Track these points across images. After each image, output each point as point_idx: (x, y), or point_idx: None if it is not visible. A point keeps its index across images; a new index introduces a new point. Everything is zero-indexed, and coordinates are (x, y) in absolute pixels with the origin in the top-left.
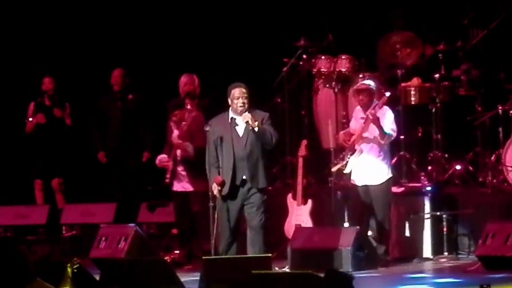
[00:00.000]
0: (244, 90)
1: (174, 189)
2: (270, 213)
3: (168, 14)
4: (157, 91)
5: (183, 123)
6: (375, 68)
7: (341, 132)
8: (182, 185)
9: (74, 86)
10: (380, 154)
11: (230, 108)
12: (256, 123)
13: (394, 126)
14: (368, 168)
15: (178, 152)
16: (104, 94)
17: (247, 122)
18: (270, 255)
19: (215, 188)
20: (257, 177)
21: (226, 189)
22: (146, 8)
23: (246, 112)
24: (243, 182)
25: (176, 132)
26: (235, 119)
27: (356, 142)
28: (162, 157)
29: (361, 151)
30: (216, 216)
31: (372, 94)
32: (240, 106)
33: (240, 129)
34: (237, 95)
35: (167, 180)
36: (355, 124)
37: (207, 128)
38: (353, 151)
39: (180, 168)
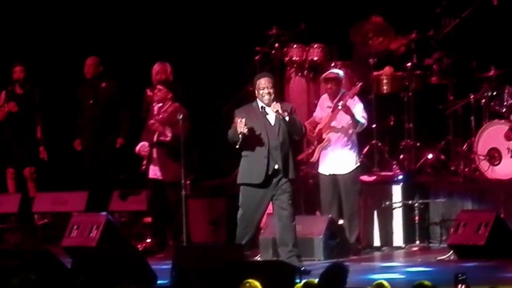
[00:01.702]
0: (270, 80)
1: (149, 176)
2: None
3: (142, 2)
4: (131, 80)
5: (162, 110)
6: (347, 57)
7: (307, 122)
8: (156, 172)
9: (47, 75)
10: (348, 143)
11: (257, 98)
12: (286, 112)
13: (365, 114)
14: (336, 157)
15: (155, 137)
16: (81, 83)
17: (277, 111)
18: (242, 243)
19: (241, 123)
20: (288, 167)
21: (261, 178)
22: None
23: (275, 102)
24: (275, 171)
25: (152, 120)
26: (265, 108)
27: (323, 131)
28: (142, 145)
29: (329, 141)
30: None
31: (340, 83)
32: (266, 95)
33: (271, 118)
34: (263, 85)
35: (143, 167)
36: (321, 112)
37: (180, 117)
38: (320, 140)
39: (155, 153)
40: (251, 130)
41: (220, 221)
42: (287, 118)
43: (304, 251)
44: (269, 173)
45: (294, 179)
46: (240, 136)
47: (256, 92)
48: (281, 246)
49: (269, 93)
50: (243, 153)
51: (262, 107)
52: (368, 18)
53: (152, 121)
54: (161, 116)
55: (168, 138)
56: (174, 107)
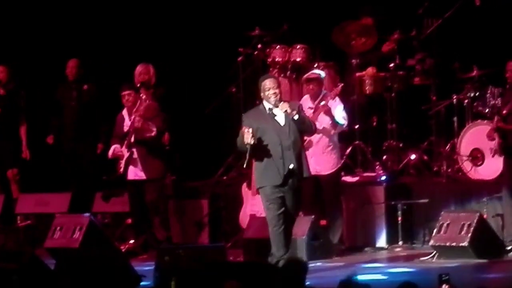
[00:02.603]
0: (274, 80)
1: (128, 178)
2: (225, 203)
3: (125, 4)
4: (113, 81)
5: (134, 115)
6: (330, 58)
7: None
8: (136, 173)
9: (30, 76)
10: (330, 144)
11: (264, 101)
12: (294, 111)
13: (345, 115)
14: (317, 158)
15: (132, 138)
16: (61, 84)
17: (285, 111)
18: (224, 244)
19: (248, 134)
20: (302, 166)
21: (280, 179)
22: None
23: (282, 102)
24: (290, 171)
25: (127, 121)
26: (272, 109)
27: None
28: (115, 147)
29: (311, 142)
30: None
31: (322, 84)
32: (273, 96)
33: (280, 119)
34: (268, 86)
35: (120, 170)
36: None
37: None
38: None
39: (134, 154)
40: (259, 140)
41: (203, 222)
42: (296, 117)
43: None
44: (285, 173)
45: (306, 177)
46: (247, 146)
47: (262, 94)
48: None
49: (275, 93)
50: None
51: (269, 108)
52: (358, 18)
53: (136, 118)
54: (133, 116)
55: (153, 133)
56: (145, 105)
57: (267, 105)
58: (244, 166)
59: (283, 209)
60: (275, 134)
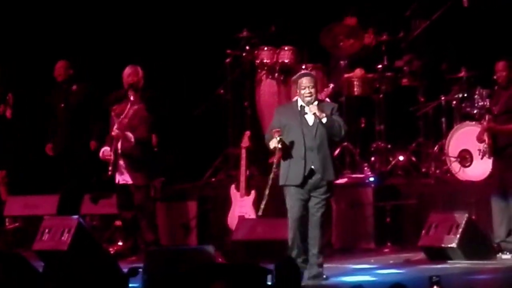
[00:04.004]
0: (311, 79)
1: (116, 182)
2: (213, 205)
3: (113, 5)
4: (102, 82)
5: (122, 116)
6: (317, 59)
7: None
8: (123, 178)
9: (19, 78)
10: None
11: (298, 97)
12: (323, 114)
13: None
14: None
15: (119, 145)
16: (54, 86)
17: (314, 114)
18: (212, 246)
19: (275, 139)
20: (327, 169)
21: (300, 179)
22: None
23: (314, 103)
24: (311, 172)
25: (115, 125)
26: (304, 107)
27: None
28: (105, 150)
29: None
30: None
31: None
32: (307, 96)
33: (310, 119)
34: (304, 85)
35: (109, 173)
36: None
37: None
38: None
39: (121, 162)
40: (284, 144)
41: (191, 225)
42: (324, 120)
43: (270, 253)
44: (306, 174)
45: (334, 181)
46: (274, 148)
47: (298, 91)
48: (309, 252)
49: (310, 93)
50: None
51: (301, 106)
52: (341, 19)
53: (114, 132)
54: (120, 121)
55: (131, 143)
56: (134, 110)
57: (300, 102)
58: (274, 167)
59: (304, 211)
60: (300, 133)
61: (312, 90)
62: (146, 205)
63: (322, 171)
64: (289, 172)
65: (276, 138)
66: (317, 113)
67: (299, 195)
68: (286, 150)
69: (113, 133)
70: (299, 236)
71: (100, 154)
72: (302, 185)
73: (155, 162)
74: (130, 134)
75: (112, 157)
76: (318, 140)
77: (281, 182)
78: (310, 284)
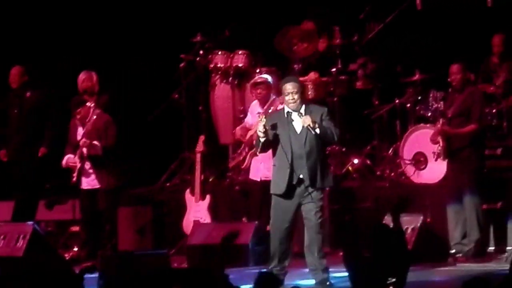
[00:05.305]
0: (295, 84)
1: (81, 187)
2: (168, 209)
3: (66, 11)
4: (57, 88)
5: (86, 120)
6: (272, 63)
7: (238, 127)
8: (88, 182)
9: None
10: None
11: (284, 104)
12: (316, 124)
13: None
14: (267, 164)
15: (85, 150)
16: (8, 92)
17: (308, 126)
18: (166, 251)
19: (261, 122)
20: (316, 177)
21: (283, 188)
22: (45, 5)
23: (305, 116)
24: (300, 181)
25: (81, 130)
26: (291, 113)
27: (254, 138)
28: (68, 157)
29: None
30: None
31: (270, 88)
32: (291, 102)
33: (298, 125)
34: (288, 91)
35: (74, 179)
36: (252, 119)
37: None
38: (251, 146)
39: (87, 165)
40: (269, 132)
41: (146, 229)
42: (317, 131)
43: (232, 258)
44: (293, 182)
45: (325, 188)
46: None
47: (283, 97)
48: (309, 260)
49: (293, 99)
50: (273, 162)
51: (288, 112)
52: (298, 23)
53: (82, 141)
54: (85, 128)
55: (99, 152)
56: (96, 114)
57: (286, 109)
58: (258, 152)
59: (287, 222)
60: (288, 141)
61: (296, 96)
62: (113, 209)
63: (311, 178)
64: (276, 181)
65: (262, 119)
66: (311, 125)
67: (285, 205)
68: (270, 141)
69: (80, 143)
70: (279, 246)
71: (63, 162)
72: (288, 194)
73: (120, 167)
74: (97, 143)
75: (77, 164)
76: (308, 147)
77: (271, 191)
78: None
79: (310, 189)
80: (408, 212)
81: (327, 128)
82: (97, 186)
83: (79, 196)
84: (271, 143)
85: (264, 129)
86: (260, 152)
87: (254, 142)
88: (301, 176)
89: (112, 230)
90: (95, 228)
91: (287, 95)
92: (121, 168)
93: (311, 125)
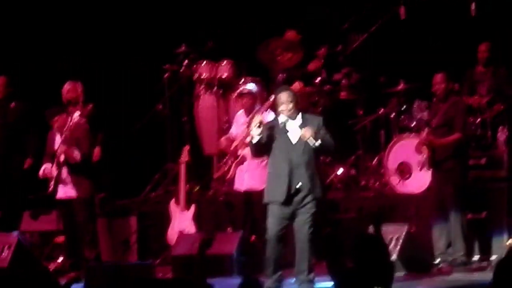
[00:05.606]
0: (289, 94)
1: (58, 197)
2: (152, 220)
3: (50, 22)
4: (42, 99)
5: (64, 129)
6: (256, 73)
7: (223, 138)
8: (65, 192)
9: None
10: (263, 159)
11: (280, 113)
12: (318, 140)
13: None
14: (252, 173)
15: (62, 156)
16: None
17: (308, 140)
18: (151, 261)
19: (255, 125)
20: (314, 186)
21: (282, 196)
22: (30, 17)
23: (305, 128)
24: (297, 190)
25: (58, 138)
26: (285, 124)
27: (239, 148)
28: (45, 167)
29: (245, 158)
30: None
31: (255, 98)
32: (285, 112)
33: (293, 135)
34: (281, 101)
35: (50, 189)
36: (236, 129)
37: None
38: (235, 157)
39: (64, 172)
40: (264, 131)
41: (131, 240)
42: (317, 144)
43: (217, 268)
44: (291, 192)
45: (320, 198)
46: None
47: (277, 107)
48: (297, 271)
49: (287, 109)
50: (268, 169)
51: (282, 122)
52: (281, 33)
53: (60, 149)
54: (63, 135)
55: (77, 160)
56: (75, 123)
57: (281, 118)
58: (253, 141)
59: (283, 231)
60: (285, 150)
61: (290, 106)
62: (88, 221)
63: (309, 188)
64: (273, 189)
65: (258, 117)
66: (311, 140)
67: (282, 214)
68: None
69: (58, 150)
70: (274, 256)
71: (41, 172)
72: (286, 203)
73: (97, 175)
74: (76, 152)
75: (54, 173)
76: (306, 157)
77: (265, 199)
78: None
79: (307, 199)
80: (392, 222)
81: (326, 140)
82: (73, 195)
83: (56, 206)
84: (265, 146)
85: (259, 125)
86: (254, 155)
87: (247, 140)
88: (298, 186)
89: (92, 240)
90: (77, 238)
91: (281, 105)
92: (98, 178)
93: (311, 140)
